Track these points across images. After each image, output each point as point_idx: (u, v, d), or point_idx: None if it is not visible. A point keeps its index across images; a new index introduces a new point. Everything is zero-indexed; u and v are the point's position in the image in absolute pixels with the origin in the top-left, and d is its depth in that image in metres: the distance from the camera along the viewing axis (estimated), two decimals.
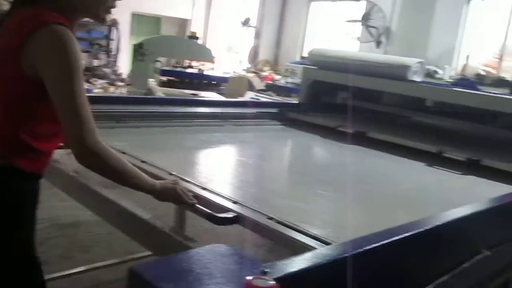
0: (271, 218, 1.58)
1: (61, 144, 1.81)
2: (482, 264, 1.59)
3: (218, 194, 1.79)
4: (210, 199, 1.73)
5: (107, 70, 11.62)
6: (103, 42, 12.24)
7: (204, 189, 1.83)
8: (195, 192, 1.72)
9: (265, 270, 0.88)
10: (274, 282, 0.76)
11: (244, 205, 1.68)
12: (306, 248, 1.32)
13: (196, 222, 4.43)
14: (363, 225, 1.64)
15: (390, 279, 1.26)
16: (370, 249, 1.11)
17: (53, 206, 3.59)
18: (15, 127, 1.52)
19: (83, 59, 1.52)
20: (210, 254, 0.93)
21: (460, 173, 2.73)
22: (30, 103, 1.51)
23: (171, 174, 1.95)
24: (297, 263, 0.93)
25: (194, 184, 1.86)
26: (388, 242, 1.18)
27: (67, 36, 1.43)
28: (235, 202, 1.71)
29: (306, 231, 1.47)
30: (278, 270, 0.88)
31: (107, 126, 2.68)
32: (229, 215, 1.61)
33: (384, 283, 1.23)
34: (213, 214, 1.59)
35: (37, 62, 1.43)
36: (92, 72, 11.44)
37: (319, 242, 1.36)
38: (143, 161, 2.05)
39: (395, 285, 1.29)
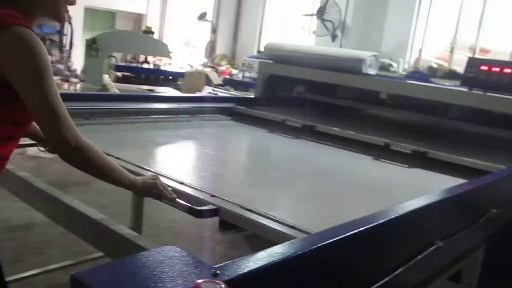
0: (250, 210, 1.63)
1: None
2: (435, 255, 1.61)
3: (194, 188, 1.82)
4: (188, 193, 1.76)
5: (60, 66, 11.33)
6: (56, 38, 11.93)
7: (181, 183, 1.85)
8: (173, 187, 1.73)
9: (216, 272, 0.85)
10: (224, 285, 0.74)
11: (222, 198, 1.71)
12: (285, 237, 1.40)
13: (153, 221, 4.37)
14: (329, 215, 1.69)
15: (347, 274, 1.26)
16: (324, 245, 1.10)
17: (3, 207, 3.48)
18: None
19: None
20: (160, 257, 0.90)
21: (406, 166, 2.71)
22: None
23: (148, 170, 1.95)
24: (249, 263, 0.91)
25: (171, 179, 1.87)
26: (344, 237, 1.17)
27: (32, 37, 1.41)
28: (212, 196, 1.74)
29: (284, 221, 1.53)
30: (229, 272, 0.86)
31: (77, 123, 2.60)
32: (210, 207, 1.64)
33: (340, 278, 1.23)
34: (194, 208, 1.61)
35: (3, 66, 1.40)
36: None
37: (297, 231, 1.46)
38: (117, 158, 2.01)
39: (352, 279, 1.29)
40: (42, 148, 2.03)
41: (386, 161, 2.78)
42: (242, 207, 1.66)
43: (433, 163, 2.70)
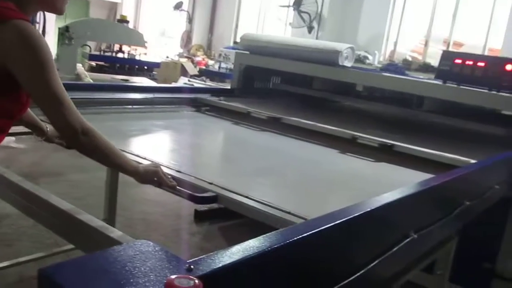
0: (247, 197, 1.70)
1: None
2: (410, 247, 1.62)
3: (191, 176, 1.85)
4: (187, 181, 1.80)
5: None
6: None
7: (178, 171, 1.89)
8: (172, 175, 1.78)
9: (190, 267, 0.83)
10: (198, 281, 0.72)
11: (219, 186, 1.76)
12: (284, 222, 1.50)
13: (127, 212, 4.32)
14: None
15: (323, 267, 1.26)
16: (300, 239, 1.09)
17: None
18: None
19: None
20: (132, 252, 0.87)
21: (372, 160, 2.64)
22: None
23: (144, 158, 1.96)
24: (224, 257, 0.89)
25: (168, 167, 1.90)
26: (319, 231, 1.17)
27: (32, 31, 1.47)
28: (210, 183, 1.78)
29: (280, 208, 1.61)
30: (203, 267, 0.84)
31: None
32: (209, 194, 1.70)
33: (316, 272, 1.22)
34: (194, 195, 1.67)
35: (5, 58, 1.45)
36: None
37: (293, 216, 1.55)
38: None
39: (328, 272, 1.29)
40: (39, 138, 2.07)
41: (353, 154, 2.72)
42: (239, 194, 1.71)
43: (400, 156, 2.66)
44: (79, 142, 1.54)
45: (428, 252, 2.04)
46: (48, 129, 2.05)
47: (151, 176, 1.69)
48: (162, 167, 1.78)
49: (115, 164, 1.66)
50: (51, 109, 1.51)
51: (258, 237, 1.03)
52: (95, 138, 1.56)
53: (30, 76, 1.48)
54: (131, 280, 0.77)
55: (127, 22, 10.74)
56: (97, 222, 1.59)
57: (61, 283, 0.73)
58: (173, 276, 0.73)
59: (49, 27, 11.45)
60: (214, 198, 1.70)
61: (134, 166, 1.66)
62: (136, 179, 1.68)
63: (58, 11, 1.64)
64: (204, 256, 0.89)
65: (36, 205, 1.78)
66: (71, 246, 2.79)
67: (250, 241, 1.00)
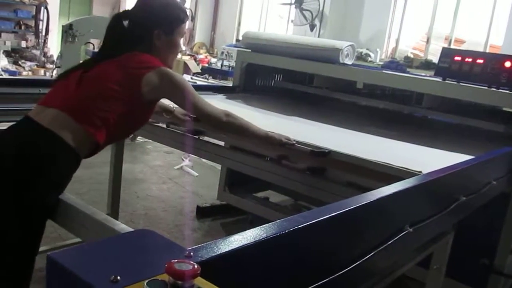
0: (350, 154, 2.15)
1: None
2: (405, 241, 1.65)
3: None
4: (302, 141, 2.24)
5: (36, 52, 11.17)
6: (31, 23, 11.71)
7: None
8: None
9: (190, 254, 0.88)
10: (196, 266, 0.76)
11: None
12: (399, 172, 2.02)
13: (130, 208, 4.36)
14: None
15: (319, 258, 1.29)
16: (297, 229, 1.13)
17: None
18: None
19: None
20: (134, 239, 0.92)
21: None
22: (130, 115, 2.03)
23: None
24: (222, 245, 0.93)
25: None
26: (316, 222, 1.20)
27: (174, 73, 2.07)
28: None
29: (386, 163, 2.08)
30: (202, 254, 0.88)
31: None
32: (324, 150, 2.15)
33: (313, 262, 1.26)
34: (314, 150, 2.12)
35: (162, 92, 2.07)
36: (19, 54, 10.98)
37: (406, 169, 2.04)
38: None
39: (324, 263, 1.32)
40: (168, 116, 2.59)
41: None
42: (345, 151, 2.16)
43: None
44: (226, 124, 2.12)
45: (424, 246, 2.07)
46: (174, 109, 2.56)
47: (277, 139, 2.18)
48: None
49: (253, 133, 2.17)
50: (202, 115, 2.12)
51: (257, 227, 1.07)
52: (235, 117, 2.14)
53: (182, 100, 2.07)
54: (134, 264, 0.81)
55: None
56: (100, 215, 1.64)
57: (68, 267, 0.78)
58: (173, 261, 0.77)
59: (52, 25, 11.52)
60: (328, 152, 2.15)
61: (265, 132, 2.20)
62: (264, 142, 2.20)
63: (169, 67, 2.15)
64: (203, 244, 0.93)
65: None
66: (75, 240, 2.85)
67: (248, 231, 1.04)
